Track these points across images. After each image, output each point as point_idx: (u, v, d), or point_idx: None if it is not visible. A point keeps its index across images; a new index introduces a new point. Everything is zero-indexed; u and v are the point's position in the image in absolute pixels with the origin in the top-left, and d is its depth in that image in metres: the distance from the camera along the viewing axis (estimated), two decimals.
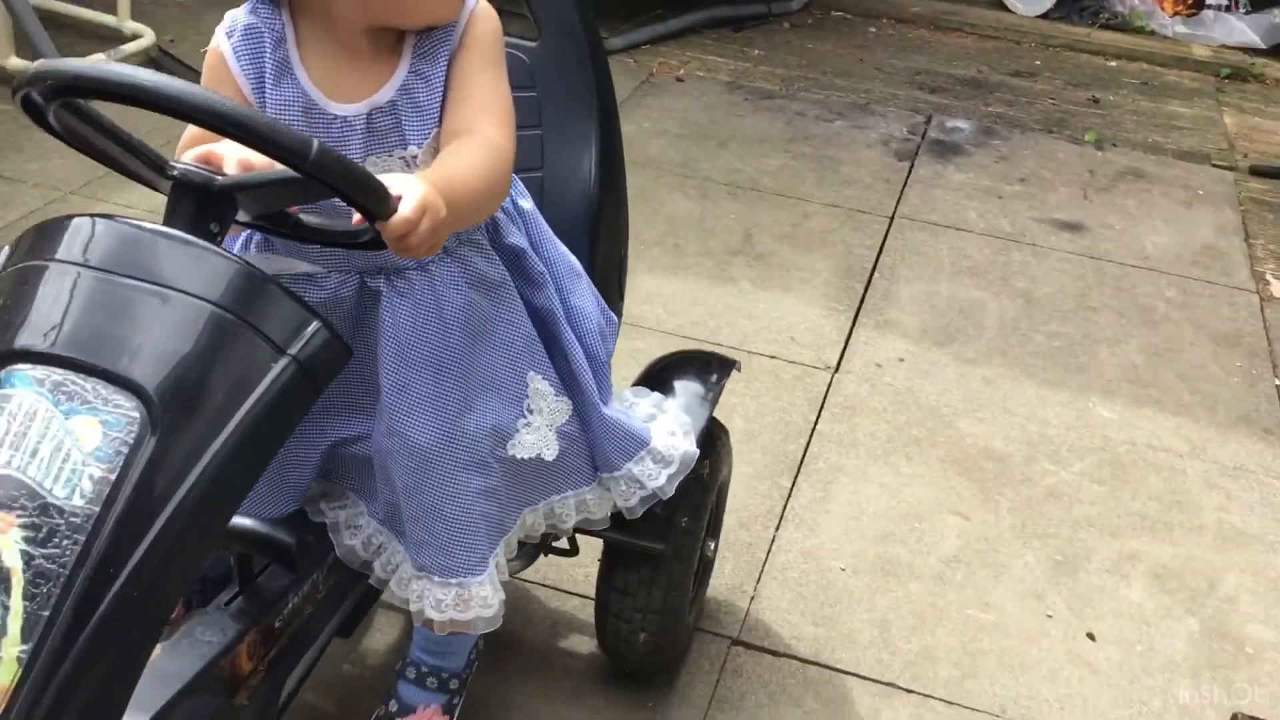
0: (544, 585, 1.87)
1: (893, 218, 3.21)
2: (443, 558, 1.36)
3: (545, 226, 1.46)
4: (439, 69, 1.28)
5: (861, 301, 2.80)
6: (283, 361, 1.02)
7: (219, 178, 1.06)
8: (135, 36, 3.55)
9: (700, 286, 2.79)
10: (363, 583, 1.45)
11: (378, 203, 1.05)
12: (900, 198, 3.32)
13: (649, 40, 4.23)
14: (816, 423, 2.35)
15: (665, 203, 3.16)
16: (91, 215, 1.04)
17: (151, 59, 3.54)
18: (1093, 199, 3.43)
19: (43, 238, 1.04)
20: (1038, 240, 3.17)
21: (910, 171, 3.50)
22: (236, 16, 1.28)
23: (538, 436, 1.42)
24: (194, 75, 3.62)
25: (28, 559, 0.92)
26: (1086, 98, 4.21)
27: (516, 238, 1.40)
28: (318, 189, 1.04)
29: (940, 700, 1.76)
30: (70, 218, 1.04)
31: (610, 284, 1.67)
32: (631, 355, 2.48)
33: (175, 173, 1.07)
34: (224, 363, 1.00)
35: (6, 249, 1.07)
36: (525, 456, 1.40)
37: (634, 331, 2.57)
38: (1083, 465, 2.31)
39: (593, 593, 1.74)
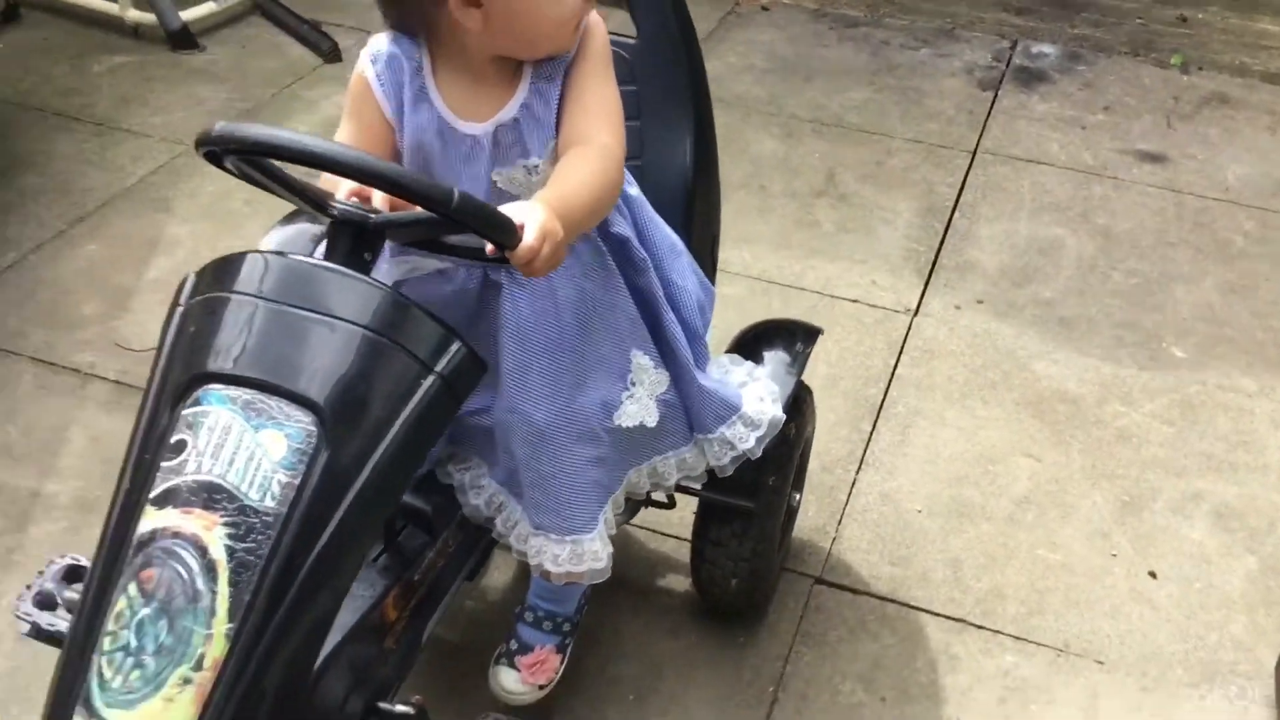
0: (644, 528, 2.05)
1: (975, 153, 3.28)
2: (558, 518, 1.54)
3: (649, 210, 1.61)
4: (556, 85, 1.43)
5: (941, 242, 2.90)
6: (430, 378, 1.19)
7: (373, 217, 1.23)
8: None
9: (785, 230, 2.91)
10: (486, 536, 1.65)
11: (506, 237, 1.21)
12: (983, 131, 3.39)
13: None
14: (896, 367, 2.49)
15: (751, 143, 3.27)
16: (264, 252, 1.22)
17: (258, 4, 3.69)
18: (1176, 127, 3.46)
19: (223, 271, 1.22)
20: (1119, 173, 3.22)
21: (994, 102, 3.55)
22: (379, 45, 1.44)
23: (640, 406, 1.58)
24: (295, 18, 3.74)
25: (231, 552, 1.11)
26: (1175, 16, 4.19)
27: (622, 227, 1.55)
28: (456, 227, 1.21)
29: (1008, 636, 1.92)
30: (245, 255, 1.22)
31: (704, 260, 1.81)
32: (719, 301, 2.63)
33: (335, 213, 1.23)
34: (382, 381, 1.18)
35: (191, 277, 1.26)
36: (629, 425, 1.57)
37: (722, 277, 2.69)
38: (1153, 406, 2.42)
39: (687, 535, 1.92)
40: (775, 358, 1.80)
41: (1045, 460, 2.27)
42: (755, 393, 1.66)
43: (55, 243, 2.66)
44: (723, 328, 2.52)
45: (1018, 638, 1.92)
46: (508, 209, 1.26)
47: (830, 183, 3.12)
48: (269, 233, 1.78)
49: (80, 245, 2.65)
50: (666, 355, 1.60)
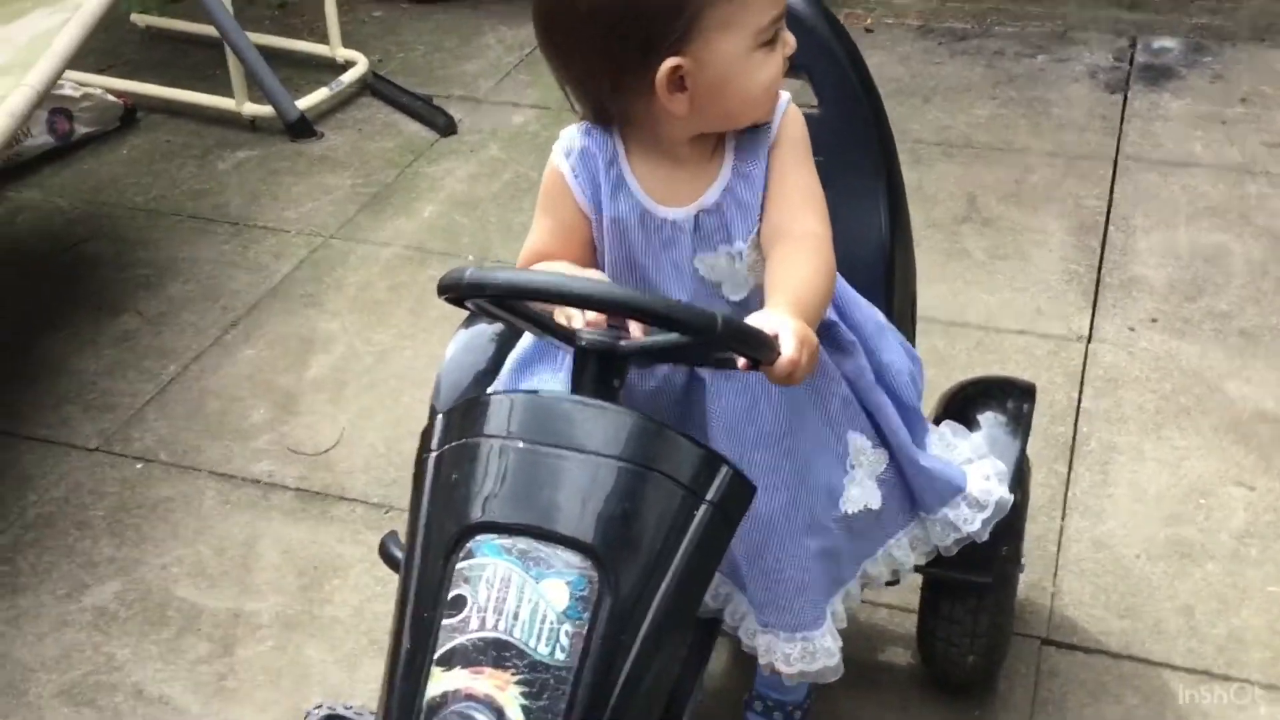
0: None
1: (1116, 161, 3.18)
2: (785, 615, 1.49)
3: (848, 290, 1.57)
4: (759, 166, 1.39)
5: (1101, 259, 2.81)
6: (704, 507, 1.15)
7: (622, 343, 1.19)
8: (350, 64, 3.72)
9: (934, 262, 2.84)
10: (715, 630, 1.60)
11: (766, 353, 1.17)
12: (1120, 136, 3.28)
13: None
14: (1080, 399, 2.40)
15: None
16: (509, 392, 1.19)
17: (368, 85, 3.71)
18: None
19: (472, 415, 1.19)
20: (1270, 168, 3.10)
21: (1125, 104, 3.44)
22: (572, 139, 1.41)
23: (862, 489, 1.53)
24: (407, 95, 3.75)
25: (527, 712, 1.07)
26: None
27: (827, 311, 1.50)
28: (713, 348, 1.17)
29: (1259, 685, 1.83)
30: (491, 397, 1.19)
31: (905, 322, 1.76)
32: (926, 353, 2.56)
33: (583, 342, 1.20)
34: (655, 515, 1.13)
35: (440, 421, 1.23)
36: (854, 510, 1.51)
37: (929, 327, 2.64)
38: None
39: (901, 604, 1.86)
40: (993, 423, 1.72)
41: (1259, 488, 2.17)
42: (980, 471, 1.60)
43: (214, 350, 2.67)
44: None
45: (1269, 685, 1.83)
46: (755, 319, 1.22)
47: (972, 208, 3.04)
48: (453, 339, 1.75)
49: (238, 350, 2.66)
50: (883, 434, 1.55)
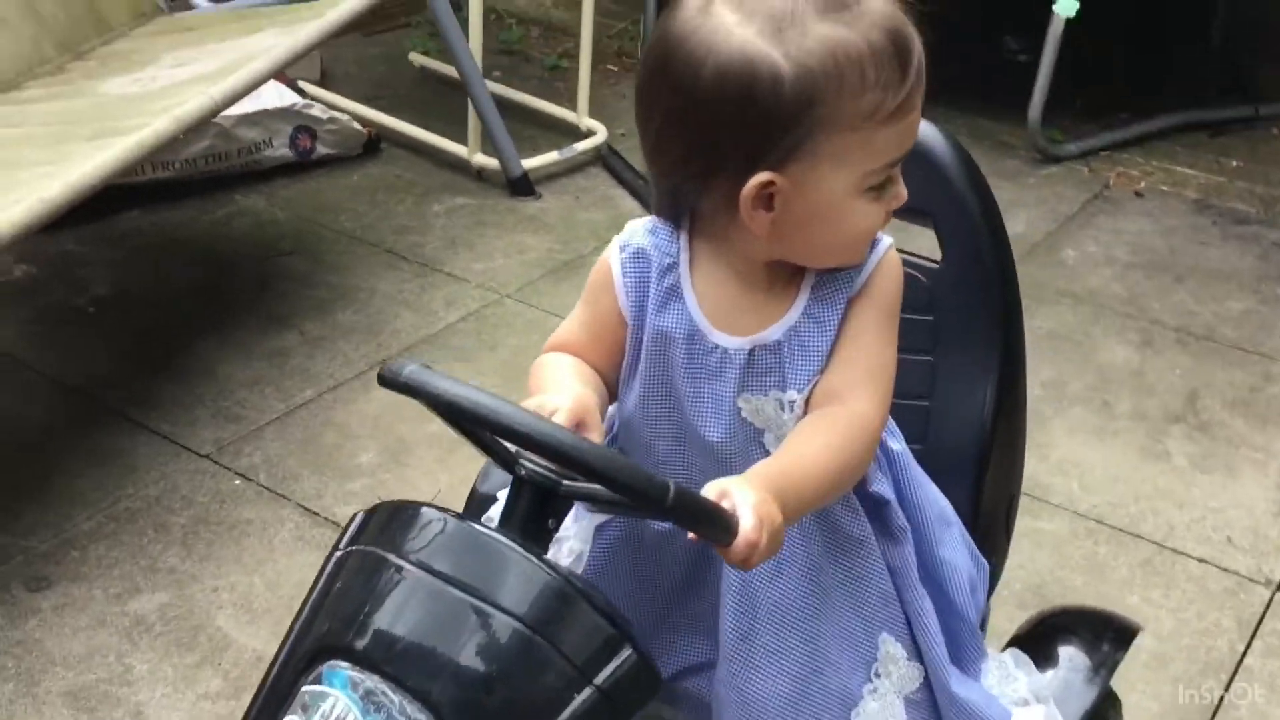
0: None
1: None
2: None
3: (916, 469, 1.35)
4: (835, 313, 1.21)
5: None
6: (587, 691, 0.97)
7: (565, 484, 1.04)
8: (590, 133, 3.71)
9: (1126, 459, 2.52)
10: None
11: (723, 534, 1.00)
12: None
13: (1109, 146, 3.91)
14: (1245, 654, 2.04)
15: (1099, 349, 2.89)
16: (443, 511, 1.05)
17: (601, 156, 3.69)
18: None
19: (390, 523, 1.06)
20: None
21: None
22: (634, 234, 1.26)
23: (883, 705, 1.29)
24: (633, 172, 3.70)
25: None
26: None
27: (881, 486, 1.29)
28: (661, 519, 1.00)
29: None
30: (419, 508, 1.06)
31: (995, 529, 1.51)
32: (1030, 535, 2.28)
33: (522, 473, 1.06)
34: (527, 688, 0.97)
35: (359, 518, 1.10)
36: None
37: (1041, 509, 2.36)
38: None
39: None
40: (1073, 664, 1.45)
41: None
42: (1031, 718, 1.33)
43: (353, 384, 2.66)
44: (1030, 570, 2.19)
45: None
46: (715, 489, 1.04)
47: (1190, 407, 2.69)
48: None
49: (375, 388, 2.61)
50: (923, 645, 1.31)
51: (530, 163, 3.51)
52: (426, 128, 3.72)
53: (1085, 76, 3.99)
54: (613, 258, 1.26)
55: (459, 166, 3.60)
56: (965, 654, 1.34)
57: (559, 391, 1.18)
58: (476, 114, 3.44)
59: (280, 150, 3.48)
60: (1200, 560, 2.26)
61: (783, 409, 1.22)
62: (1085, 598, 2.17)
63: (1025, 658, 1.43)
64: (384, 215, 3.37)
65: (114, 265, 3.06)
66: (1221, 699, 1.96)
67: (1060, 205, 3.57)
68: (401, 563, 1.02)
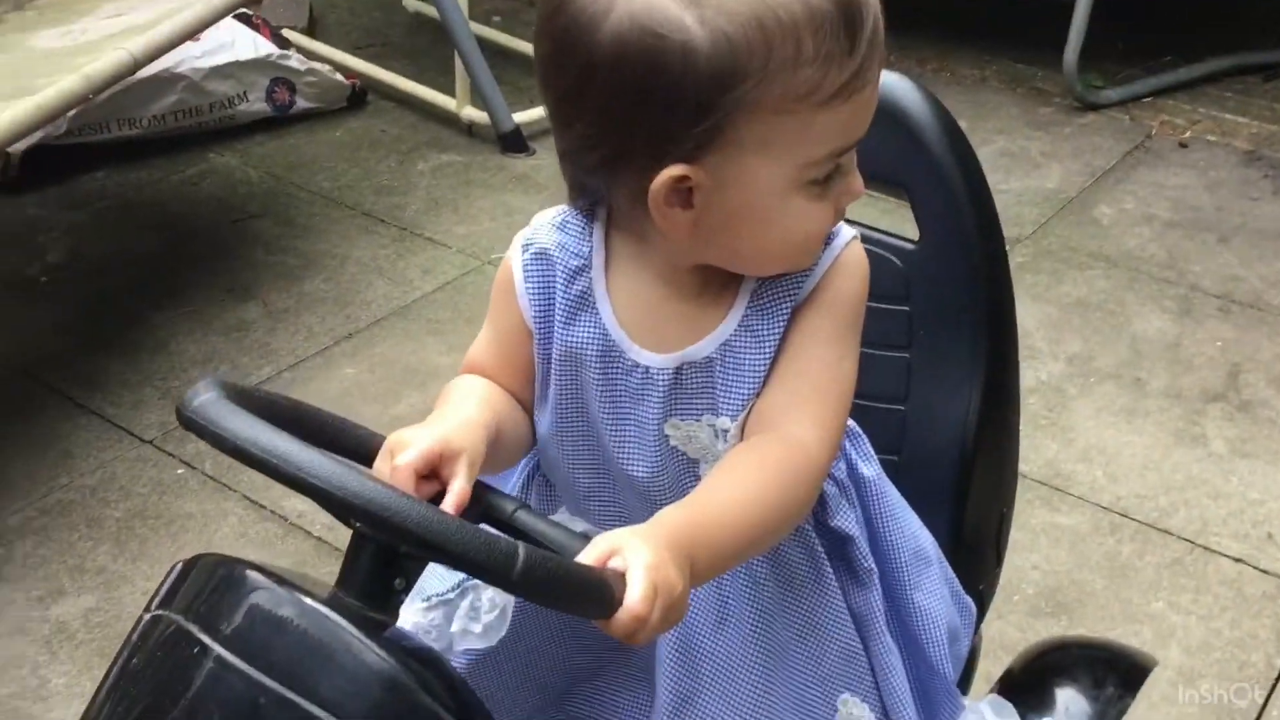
0: None
1: None
2: None
3: (891, 499, 1.14)
4: (776, 324, 0.99)
5: None
6: None
7: (403, 546, 0.83)
8: None
9: (1158, 443, 2.28)
10: None
11: (599, 608, 0.79)
12: None
13: (1152, 92, 3.62)
14: None
15: (1133, 318, 2.64)
16: (270, 576, 0.84)
17: None
18: None
19: (207, 589, 0.86)
20: None
21: None
22: (540, 228, 1.05)
23: None
24: None
25: None
26: None
27: (844, 519, 1.08)
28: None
29: None
30: (245, 570, 0.85)
31: (981, 553, 1.30)
32: (1047, 532, 2.07)
33: (356, 525, 0.85)
34: None
35: (176, 571, 0.91)
36: None
37: (1062, 500, 2.14)
38: None
39: None
40: (1069, 709, 1.24)
41: None
42: None
43: (315, 360, 2.47)
44: (1045, 572, 1.97)
45: None
46: (602, 546, 0.83)
47: (1232, 385, 2.44)
48: None
49: (339, 366, 2.46)
50: (889, 705, 1.11)
51: (523, 116, 3.28)
52: (417, 79, 3.51)
53: (1128, 16, 3.69)
54: (514, 258, 1.04)
55: (448, 121, 3.39)
56: (939, 714, 1.14)
57: (437, 422, 0.97)
58: (462, 62, 3.22)
59: (256, 105, 3.28)
60: (1236, 560, 2.03)
61: (717, 438, 1.01)
62: (1105, 603, 1.95)
63: (1009, 707, 1.22)
64: (364, 174, 3.17)
65: (72, 230, 2.88)
66: (1260, 714, 1.74)
67: (1096, 158, 3.30)
68: (209, 642, 0.82)
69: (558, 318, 1.02)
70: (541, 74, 0.94)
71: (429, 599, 1.13)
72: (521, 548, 0.76)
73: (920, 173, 1.22)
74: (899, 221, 1.25)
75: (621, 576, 0.81)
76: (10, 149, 2.85)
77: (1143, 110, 3.57)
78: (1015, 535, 2.04)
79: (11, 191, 2.99)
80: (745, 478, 0.94)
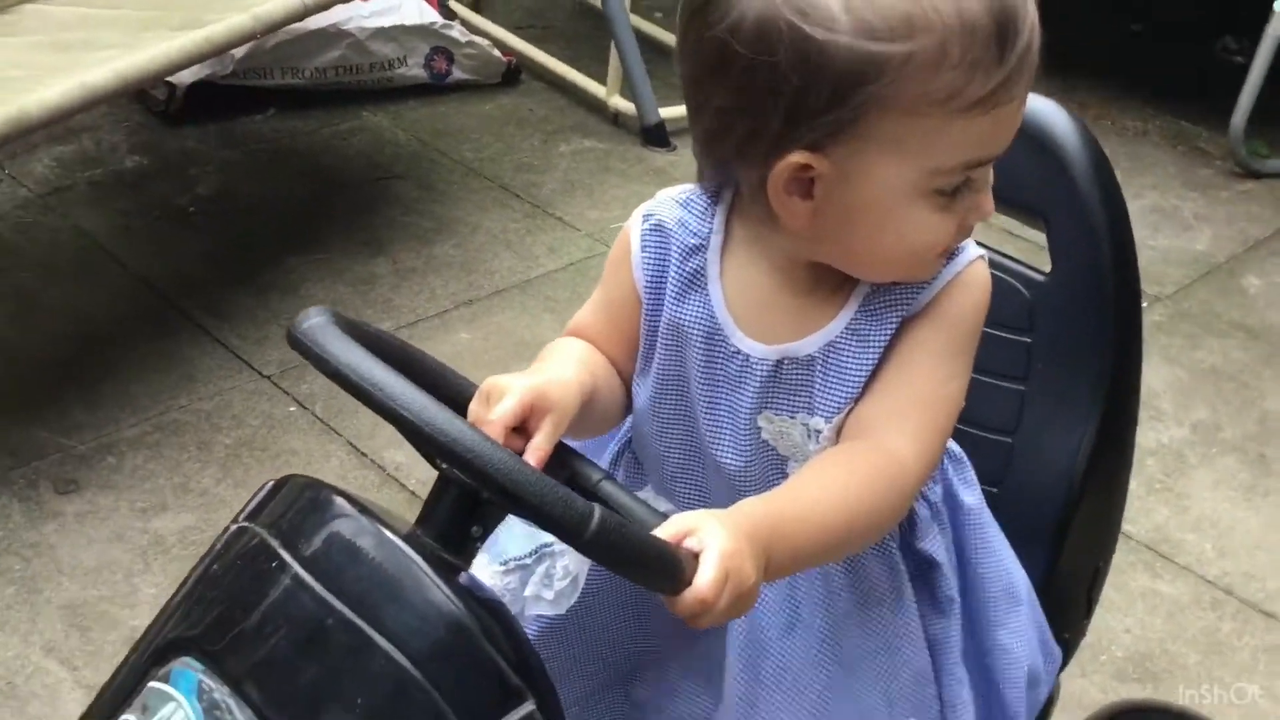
0: None
1: None
2: None
3: (991, 532, 1.12)
4: (884, 332, 0.97)
5: None
6: None
7: (484, 491, 0.84)
8: None
9: (1275, 525, 2.19)
10: None
11: (665, 583, 0.79)
12: None
13: None
14: None
15: (1267, 393, 2.54)
16: (355, 504, 0.87)
17: None
18: None
19: (297, 506, 0.89)
20: None
21: None
22: (663, 202, 1.05)
23: None
24: None
25: None
26: None
27: (933, 545, 1.07)
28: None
29: None
30: (332, 495, 0.88)
31: (1072, 601, 1.26)
32: (1145, 597, 2.01)
33: (443, 467, 0.87)
34: None
35: (267, 488, 0.94)
36: None
37: (1162, 566, 2.07)
38: None
39: None
40: None
41: None
42: None
43: (433, 321, 2.52)
44: (1137, 636, 1.90)
45: None
46: (680, 524, 0.83)
47: None
48: None
49: (455, 330, 2.50)
50: None
51: (669, 112, 3.28)
52: (571, 63, 3.53)
53: None
54: (633, 228, 1.05)
55: (596, 108, 3.41)
56: None
57: (534, 375, 0.98)
58: (617, 52, 3.24)
59: (414, 70, 3.34)
60: None
61: (809, 438, 1.00)
62: (1195, 679, 1.88)
63: None
64: (507, 149, 3.21)
65: (226, 167, 2.97)
66: None
67: (1252, 226, 3.18)
68: (288, 559, 0.85)
69: (669, 292, 1.02)
70: (680, 48, 0.94)
71: (506, 562, 1.14)
72: (597, 509, 0.76)
73: (1061, 203, 1.20)
74: (1032, 253, 1.22)
75: (695, 557, 0.81)
76: (175, 81, 2.96)
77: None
78: (1112, 596, 2.00)
79: (173, 123, 3.09)
80: (834, 480, 0.93)
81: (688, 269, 1.02)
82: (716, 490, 1.06)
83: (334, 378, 0.82)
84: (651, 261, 1.04)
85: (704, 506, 0.96)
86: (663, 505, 1.11)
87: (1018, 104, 0.90)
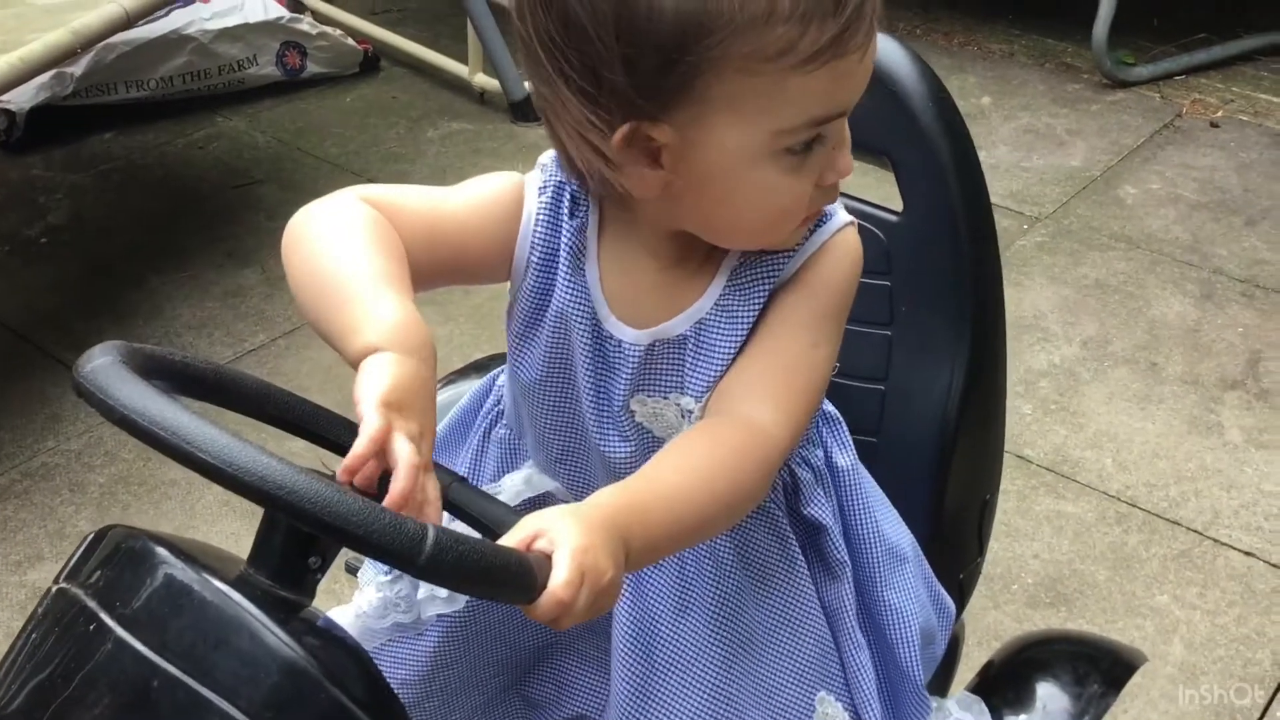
0: None
1: None
2: None
3: (869, 491, 1.08)
4: (752, 305, 0.93)
5: None
6: None
7: (304, 527, 0.78)
8: None
9: (1172, 431, 2.20)
10: None
11: (520, 594, 0.74)
12: None
13: (1184, 70, 3.51)
14: None
15: (1152, 301, 2.56)
16: (177, 551, 0.80)
17: None
18: None
19: (111, 563, 0.81)
20: None
21: None
22: (551, 169, 0.97)
23: None
24: None
25: None
26: None
27: (819, 509, 1.03)
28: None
29: None
30: (152, 545, 0.80)
31: (962, 540, 1.24)
32: (1050, 520, 2.01)
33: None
34: None
35: (86, 541, 0.87)
36: None
37: (1067, 488, 2.07)
38: None
39: None
40: (1047, 706, 1.19)
41: None
42: None
43: (310, 329, 2.43)
44: (1046, 560, 1.92)
45: None
46: (529, 526, 0.77)
47: (1251, 372, 2.36)
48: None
49: None
50: (859, 704, 1.06)
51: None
52: (431, 45, 3.45)
53: None
54: (530, 187, 0.96)
55: (460, 88, 3.34)
56: (906, 717, 1.09)
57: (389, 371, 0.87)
58: (474, 29, 3.16)
59: (266, 69, 3.24)
60: (1246, 554, 1.95)
61: (683, 418, 0.96)
62: (1107, 595, 1.88)
63: (979, 704, 1.16)
64: (372, 141, 3.12)
65: (75, 192, 2.85)
66: (1262, 715, 1.68)
67: (1124, 136, 3.20)
68: (106, 620, 0.77)
69: (561, 268, 0.96)
70: (518, 33, 0.88)
71: (390, 571, 1.09)
72: (431, 530, 0.70)
73: (904, 140, 1.16)
74: (884, 194, 1.18)
75: (547, 559, 0.76)
76: (14, 109, 2.83)
77: (1174, 89, 3.46)
78: (1018, 523, 1.99)
79: (15, 152, 2.96)
80: (693, 460, 0.88)
81: (576, 247, 0.96)
82: (599, 475, 1.02)
83: (121, 424, 0.75)
84: (545, 232, 0.96)
85: (589, 489, 0.92)
86: (548, 484, 1.07)
87: (860, 55, 0.84)
